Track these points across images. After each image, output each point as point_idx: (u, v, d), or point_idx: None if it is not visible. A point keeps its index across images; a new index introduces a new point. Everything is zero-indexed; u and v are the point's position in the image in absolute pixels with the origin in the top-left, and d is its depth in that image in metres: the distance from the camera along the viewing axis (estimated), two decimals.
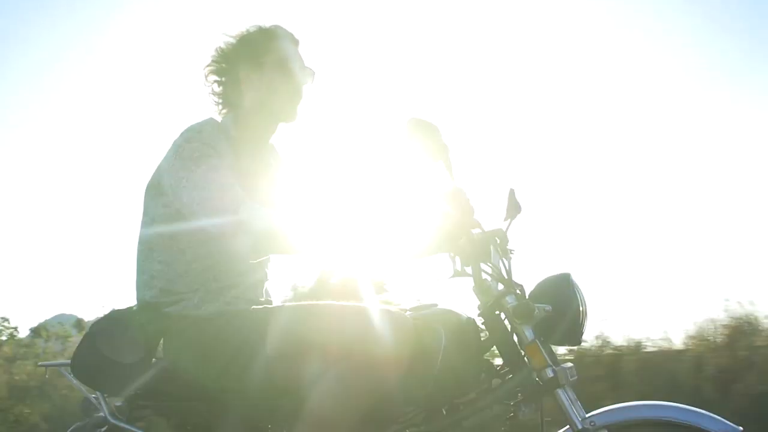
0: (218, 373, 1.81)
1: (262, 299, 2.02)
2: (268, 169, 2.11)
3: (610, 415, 1.71)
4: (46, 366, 2.22)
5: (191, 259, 1.90)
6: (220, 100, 2.08)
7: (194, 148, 1.85)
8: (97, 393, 1.98)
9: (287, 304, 1.84)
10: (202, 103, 2.10)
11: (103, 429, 2.03)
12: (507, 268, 1.77)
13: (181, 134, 1.91)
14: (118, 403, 2.02)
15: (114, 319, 1.92)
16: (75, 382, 2.09)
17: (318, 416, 1.68)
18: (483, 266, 1.74)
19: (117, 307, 1.96)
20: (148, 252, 1.95)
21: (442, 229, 1.66)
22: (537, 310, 1.67)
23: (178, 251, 1.91)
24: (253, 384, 1.78)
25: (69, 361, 2.12)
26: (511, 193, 1.84)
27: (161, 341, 1.92)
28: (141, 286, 1.96)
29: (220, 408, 1.86)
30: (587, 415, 1.70)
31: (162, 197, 1.93)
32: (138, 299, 1.97)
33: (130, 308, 1.96)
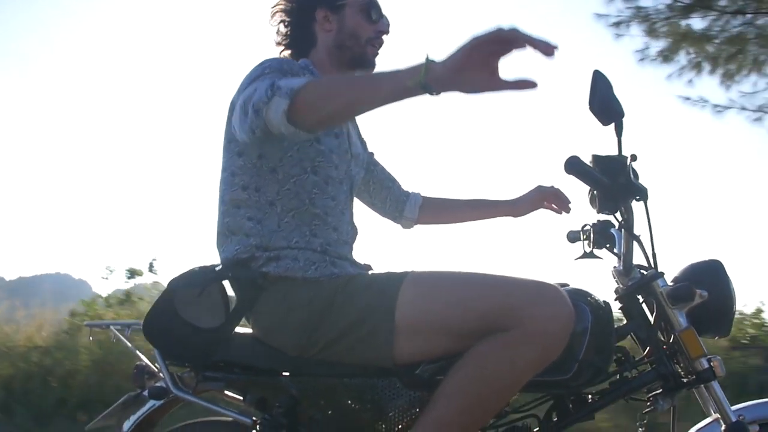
0: (327, 343, 1.58)
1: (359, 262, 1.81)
2: (346, 127, 1.88)
3: (759, 410, 1.60)
4: (92, 326, 1.92)
5: (282, 212, 1.68)
6: (286, 41, 1.90)
7: (267, 65, 1.64)
8: (159, 360, 1.71)
9: (420, 270, 1.62)
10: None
11: (160, 402, 1.77)
12: (652, 250, 1.64)
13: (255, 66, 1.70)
14: (180, 373, 1.77)
15: (195, 275, 1.66)
16: (130, 345, 1.83)
17: (458, 397, 1.48)
18: (633, 245, 1.60)
19: (199, 264, 1.70)
20: (235, 211, 1.71)
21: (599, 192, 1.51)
22: (698, 295, 1.53)
23: (267, 204, 1.68)
24: (369, 357, 1.56)
25: (118, 322, 1.87)
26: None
27: (250, 305, 1.67)
28: (231, 245, 1.70)
29: (318, 384, 1.63)
30: (734, 408, 1.59)
31: (234, 144, 1.71)
32: (224, 260, 1.72)
33: (214, 266, 1.70)
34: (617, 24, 8.10)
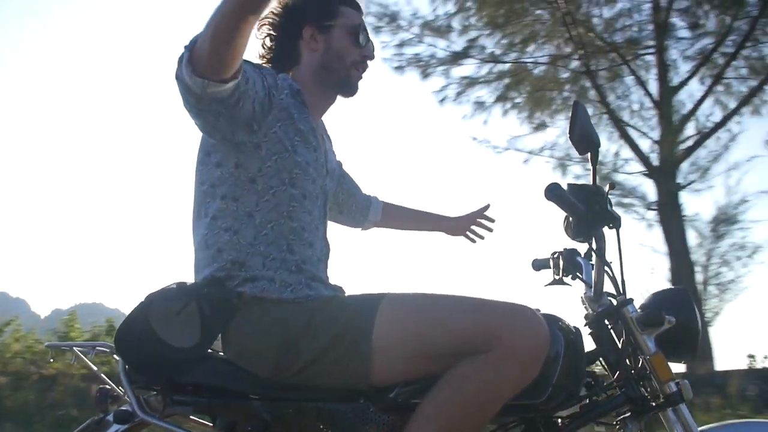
0: (303, 365, 1.57)
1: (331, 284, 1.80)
2: (323, 144, 1.88)
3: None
4: (54, 347, 1.84)
5: (261, 224, 1.66)
6: (270, 55, 1.89)
7: None
8: (124, 382, 1.66)
9: (397, 292, 1.63)
10: None
11: (124, 426, 1.71)
12: (621, 277, 1.69)
13: None
14: (146, 396, 1.71)
15: (172, 292, 1.63)
16: (95, 368, 1.78)
17: (437, 419, 1.48)
18: (606, 270, 1.65)
19: (180, 281, 1.66)
20: (212, 223, 1.68)
21: (574, 219, 1.56)
22: (666, 321, 1.59)
23: (244, 215, 1.67)
24: (345, 379, 1.56)
25: (82, 343, 1.81)
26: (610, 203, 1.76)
27: (224, 326, 1.64)
28: (207, 262, 1.68)
29: (291, 409, 1.61)
30: (699, 430, 1.64)
31: (213, 155, 1.70)
32: (200, 277, 1.69)
33: (192, 284, 1.67)
34: (399, 68, 8.82)
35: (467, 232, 2.37)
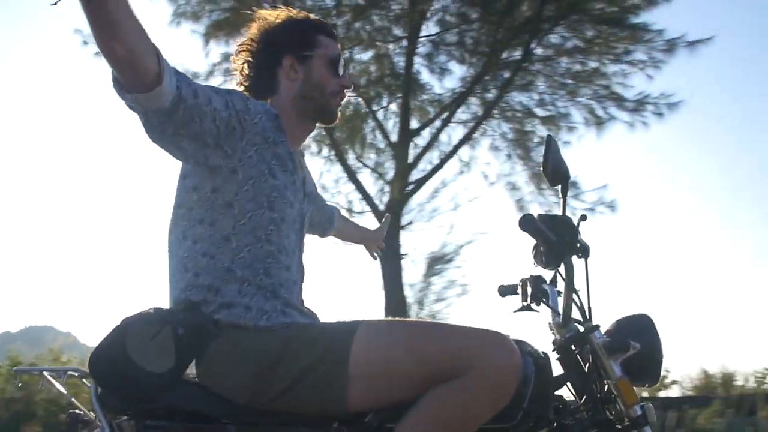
0: (279, 391, 1.58)
1: (305, 309, 1.81)
2: (301, 168, 1.89)
3: None
4: (21, 372, 1.81)
5: (237, 248, 1.67)
6: (248, 82, 1.89)
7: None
8: (96, 407, 1.65)
9: (373, 319, 1.65)
10: None
11: None
12: (588, 305, 1.75)
13: None
14: (118, 421, 1.70)
15: (149, 317, 1.62)
16: (65, 392, 1.76)
17: None
18: (574, 298, 1.71)
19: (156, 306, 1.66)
20: (192, 246, 1.69)
21: (545, 248, 1.62)
22: (631, 347, 1.65)
23: (221, 239, 1.67)
24: (322, 405, 1.57)
25: (53, 367, 1.79)
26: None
27: (199, 352, 1.64)
28: (184, 285, 1.68)
29: None
30: None
31: (189, 179, 1.71)
32: (176, 301, 1.70)
33: (168, 309, 1.67)
34: None
35: (371, 249, 2.53)
